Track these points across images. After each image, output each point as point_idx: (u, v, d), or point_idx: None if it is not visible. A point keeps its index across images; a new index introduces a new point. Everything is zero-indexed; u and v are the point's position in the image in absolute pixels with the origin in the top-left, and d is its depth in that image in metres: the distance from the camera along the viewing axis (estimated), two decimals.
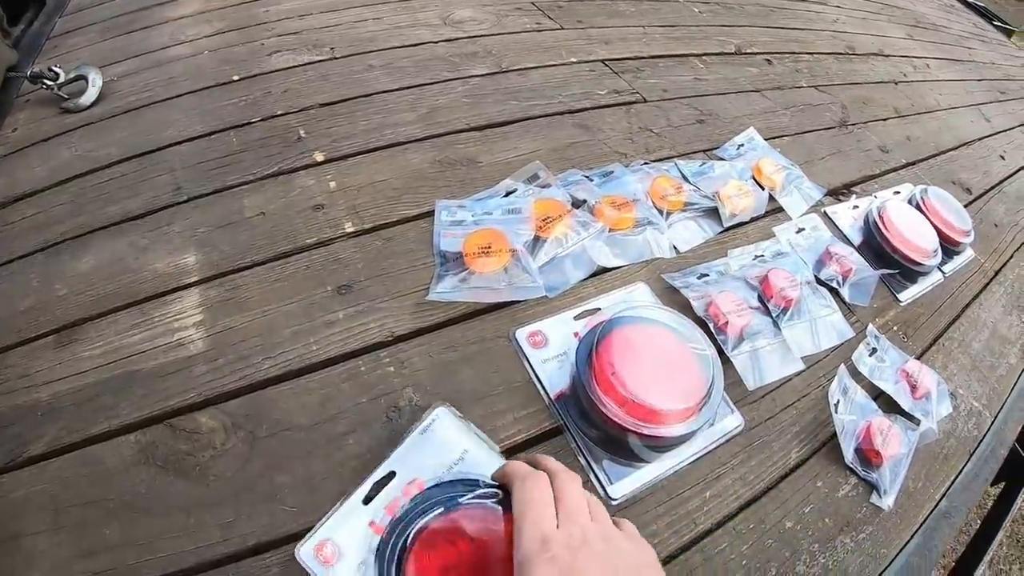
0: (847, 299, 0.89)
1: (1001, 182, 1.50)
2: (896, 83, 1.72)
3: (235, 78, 0.90)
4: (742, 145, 1.07)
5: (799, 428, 0.66)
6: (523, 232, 0.67)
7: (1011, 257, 1.21)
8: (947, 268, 1.05)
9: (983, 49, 2.87)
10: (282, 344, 0.59)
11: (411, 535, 0.41)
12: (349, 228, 0.69)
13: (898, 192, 1.17)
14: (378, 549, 0.42)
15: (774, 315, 0.79)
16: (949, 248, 1.05)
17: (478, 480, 0.45)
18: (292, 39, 0.98)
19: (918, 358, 0.86)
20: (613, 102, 1.00)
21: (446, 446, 0.48)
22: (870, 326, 0.85)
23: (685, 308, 0.69)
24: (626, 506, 0.55)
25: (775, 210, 0.98)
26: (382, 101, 0.86)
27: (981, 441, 0.81)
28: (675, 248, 0.81)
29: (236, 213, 0.70)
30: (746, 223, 0.92)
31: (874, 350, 0.83)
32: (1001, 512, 0.95)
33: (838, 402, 0.72)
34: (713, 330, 0.67)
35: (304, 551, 0.42)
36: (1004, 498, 0.97)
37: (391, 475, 0.46)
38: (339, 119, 0.82)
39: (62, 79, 0.91)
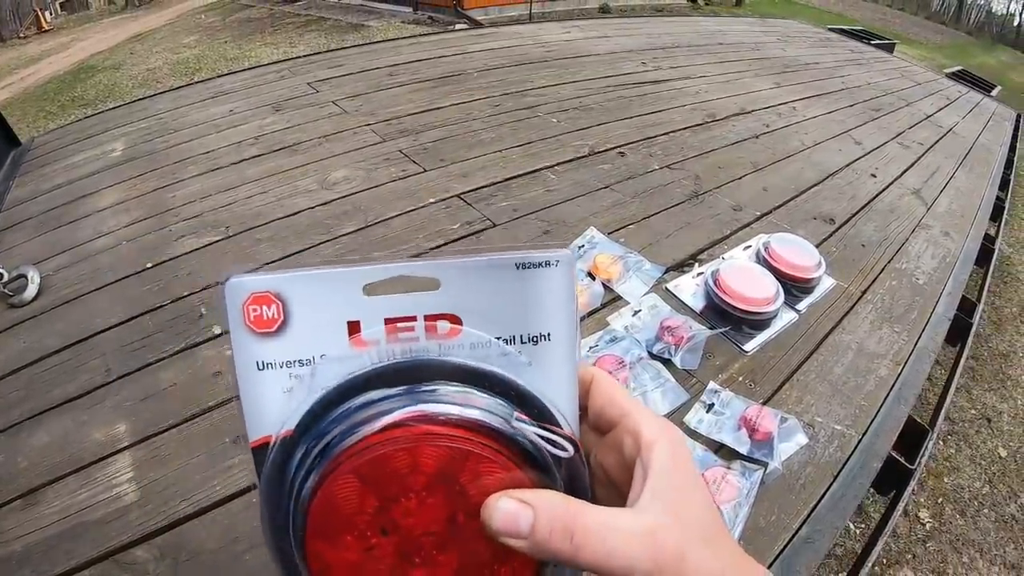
0: (679, 366, 1.10)
1: (871, 201, 1.76)
2: (757, 137, 2.04)
3: (148, 265, 1.22)
4: (582, 246, 1.36)
5: None
6: None
7: (880, 273, 1.44)
8: (802, 306, 1.29)
9: (859, 72, 3.24)
10: (194, 488, 0.87)
11: (350, 441, 0.25)
12: None
13: (749, 246, 1.43)
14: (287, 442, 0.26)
15: None
16: (800, 287, 1.29)
17: (548, 410, 0.27)
18: (195, 222, 1.31)
19: (767, 401, 1.05)
20: (465, 233, 1.32)
21: (538, 306, 0.27)
22: (710, 384, 1.06)
23: None
24: None
25: (615, 299, 1.24)
26: None
27: (846, 462, 0.96)
28: None
29: (154, 386, 1.00)
30: (582, 319, 1.18)
31: (711, 405, 1.04)
32: (882, 521, 1.10)
33: None
34: None
35: (233, 284, 0.26)
36: (890, 506, 1.11)
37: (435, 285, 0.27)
38: None
39: (6, 278, 1.20)
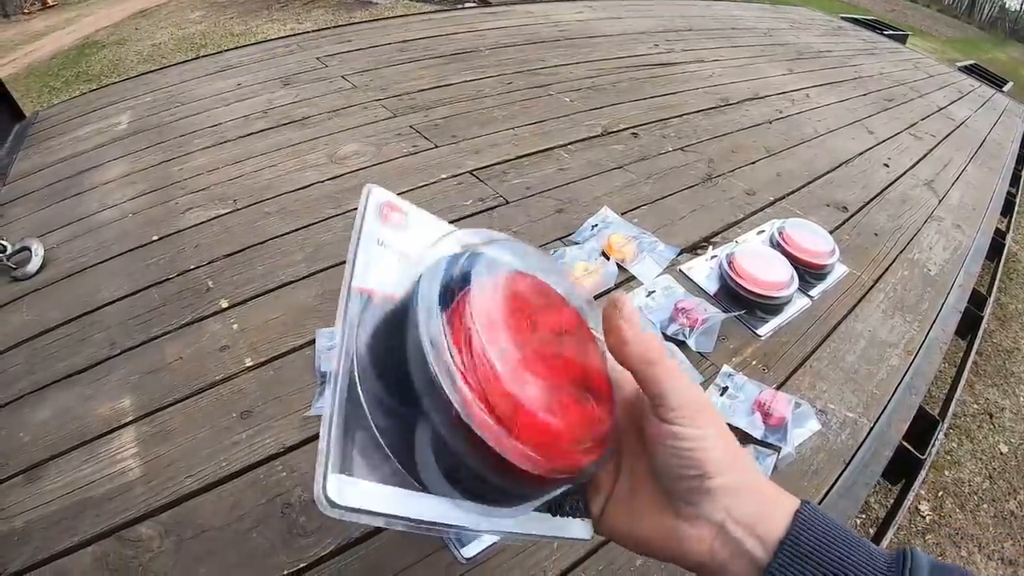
0: (694, 348, 1.09)
1: (883, 190, 1.74)
2: (770, 122, 2.01)
3: (155, 238, 1.19)
4: (596, 225, 1.33)
5: None
6: None
7: (893, 262, 1.43)
8: (815, 291, 1.28)
9: (871, 62, 3.20)
10: (200, 464, 0.85)
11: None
12: (249, 363, 0.96)
13: (762, 231, 1.41)
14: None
15: None
16: (814, 273, 1.28)
17: None
18: (202, 195, 1.28)
19: (780, 386, 1.04)
20: (477, 210, 1.28)
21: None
22: (724, 367, 1.05)
23: None
24: (480, 562, 0.76)
25: (628, 279, 1.22)
26: (275, 246, 1.16)
27: (858, 449, 0.97)
28: None
29: (160, 360, 0.97)
30: (595, 298, 1.16)
31: (725, 388, 1.04)
32: (893, 508, 1.10)
33: None
34: None
35: (378, 192, 0.34)
36: (900, 496, 1.11)
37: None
38: (240, 267, 1.11)
39: (9, 251, 1.17)
